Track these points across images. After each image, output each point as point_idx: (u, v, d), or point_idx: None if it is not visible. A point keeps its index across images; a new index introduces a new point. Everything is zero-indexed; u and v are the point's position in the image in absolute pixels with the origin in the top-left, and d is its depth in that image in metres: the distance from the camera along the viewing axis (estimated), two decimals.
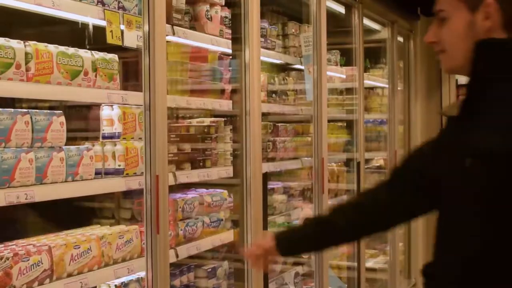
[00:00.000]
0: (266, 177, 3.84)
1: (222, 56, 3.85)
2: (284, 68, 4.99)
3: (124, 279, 2.96)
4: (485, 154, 1.59)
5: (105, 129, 3.04)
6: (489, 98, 1.67)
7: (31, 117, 2.55)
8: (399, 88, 6.56)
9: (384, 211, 2.15)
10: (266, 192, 3.82)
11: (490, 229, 1.61)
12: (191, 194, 3.53)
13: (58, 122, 2.68)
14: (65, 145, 2.73)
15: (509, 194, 1.56)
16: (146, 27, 2.69)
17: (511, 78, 1.66)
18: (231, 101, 3.66)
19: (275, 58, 4.43)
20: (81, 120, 3.41)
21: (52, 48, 2.67)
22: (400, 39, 6.64)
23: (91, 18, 2.83)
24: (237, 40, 3.64)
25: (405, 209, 2.12)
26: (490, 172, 1.58)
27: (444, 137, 1.90)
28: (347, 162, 5.50)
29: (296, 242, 2.29)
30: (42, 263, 2.47)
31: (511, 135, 1.57)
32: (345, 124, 5.58)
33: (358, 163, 5.26)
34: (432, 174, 1.87)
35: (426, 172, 1.96)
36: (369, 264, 5.97)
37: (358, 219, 2.20)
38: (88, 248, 2.69)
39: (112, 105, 3.01)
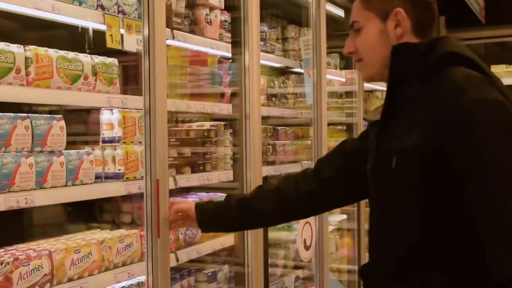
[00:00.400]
0: (266, 180, 3.84)
1: (221, 59, 3.85)
2: (283, 72, 4.99)
3: (125, 283, 2.95)
4: (407, 153, 1.68)
5: (105, 133, 3.04)
6: (406, 99, 1.77)
7: (31, 122, 2.55)
8: None
9: (308, 200, 2.27)
10: None
11: (422, 226, 1.67)
12: (191, 198, 3.52)
13: (58, 126, 2.68)
14: (65, 149, 2.72)
15: (436, 190, 1.62)
16: (146, 31, 2.69)
17: (425, 78, 1.75)
18: (231, 105, 3.66)
19: (275, 61, 4.43)
20: (81, 124, 3.41)
21: (52, 52, 2.67)
22: None
23: (91, 22, 2.83)
24: (236, 43, 3.63)
25: (328, 198, 2.27)
26: (414, 169, 1.66)
27: (369, 141, 1.98)
28: None
29: (217, 220, 2.46)
30: (42, 268, 2.46)
31: (426, 133, 1.65)
32: (344, 127, 5.58)
33: None
34: (358, 174, 2.00)
35: (351, 168, 2.12)
36: None
37: (281, 207, 2.30)
38: (89, 253, 2.69)
39: (112, 109, 3.01)
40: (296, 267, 4.63)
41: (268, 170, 4.02)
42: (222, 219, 2.47)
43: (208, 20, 3.62)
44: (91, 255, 2.70)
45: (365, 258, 5.48)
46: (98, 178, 2.91)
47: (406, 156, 1.69)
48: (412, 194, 1.69)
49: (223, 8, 3.79)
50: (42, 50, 2.63)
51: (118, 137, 3.01)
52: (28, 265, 2.40)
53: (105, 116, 3.05)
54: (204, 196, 3.65)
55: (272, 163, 4.26)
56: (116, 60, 3.02)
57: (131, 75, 3.37)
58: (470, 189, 1.57)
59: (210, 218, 2.48)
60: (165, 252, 2.77)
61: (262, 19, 3.87)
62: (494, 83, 1.70)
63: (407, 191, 1.71)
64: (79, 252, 2.64)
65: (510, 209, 1.51)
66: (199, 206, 2.53)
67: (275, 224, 2.92)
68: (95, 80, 2.86)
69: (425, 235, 1.67)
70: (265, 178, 3.72)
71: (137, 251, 2.96)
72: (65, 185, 2.68)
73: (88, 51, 3.08)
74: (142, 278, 2.95)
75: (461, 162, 1.59)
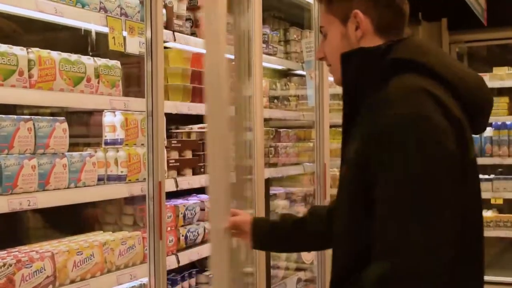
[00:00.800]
0: (268, 182, 3.84)
1: None
2: (285, 74, 5.00)
3: (127, 285, 2.96)
4: (348, 163, 1.70)
5: (108, 135, 3.05)
6: (360, 107, 1.74)
7: (33, 124, 2.56)
8: None
9: None
10: (268, 197, 3.82)
11: (361, 236, 1.64)
12: (192, 200, 3.53)
13: (61, 128, 2.69)
14: (67, 151, 2.73)
15: (370, 196, 1.60)
16: (148, 34, 2.70)
17: (378, 85, 1.69)
18: (233, 107, 3.66)
19: (277, 63, 4.43)
20: (83, 126, 3.41)
21: (55, 54, 2.68)
22: None
23: (94, 24, 2.83)
24: None
25: None
26: (353, 179, 1.67)
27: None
28: None
29: (273, 240, 2.31)
30: (45, 270, 2.47)
31: (361, 144, 1.64)
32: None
33: None
34: None
35: None
36: None
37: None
38: (91, 255, 2.69)
39: (114, 112, 3.02)
40: (298, 269, 4.63)
41: (270, 172, 4.02)
42: (278, 239, 2.33)
43: None
44: (93, 257, 2.70)
45: None
46: (100, 180, 2.92)
47: (348, 166, 1.71)
48: (351, 202, 1.70)
49: None
50: (45, 53, 2.64)
51: (120, 139, 3.02)
52: (31, 267, 2.41)
53: (108, 118, 3.05)
54: (205, 198, 3.65)
55: (274, 165, 4.26)
56: (118, 62, 3.02)
57: (132, 78, 3.37)
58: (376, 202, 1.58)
59: (265, 236, 2.32)
60: (163, 253, 2.77)
61: (264, 21, 3.88)
62: (434, 94, 1.61)
63: (347, 199, 1.72)
64: (82, 254, 2.65)
65: (394, 229, 1.53)
66: (255, 222, 2.31)
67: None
68: (98, 83, 2.87)
69: (363, 246, 1.64)
70: (267, 181, 3.72)
71: (139, 253, 2.96)
72: (68, 187, 2.69)
73: (91, 53, 3.09)
74: (144, 280, 2.95)
75: (374, 174, 1.59)
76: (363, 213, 1.63)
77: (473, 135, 1.75)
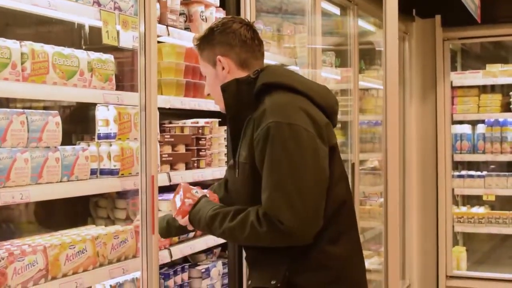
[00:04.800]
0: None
1: None
2: None
3: (119, 279, 2.96)
4: (241, 165, 2.33)
5: (101, 129, 3.04)
6: (245, 121, 2.32)
7: (26, 117, 2.56)
8: None
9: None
10: None
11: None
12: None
13: (54, 122, 2.69)
14: (60, 145, 2.73)
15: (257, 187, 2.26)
16: (142, 28, 2.70)
17: (253, 104, 2.31)
18: None
19: (270, 59, 4.43)
20: (76, 120, 3.41)
21: (48, 48, 2.68)
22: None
23: (87, 18, 2.83)
24: None
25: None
26: (246, 176, 2.33)
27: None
28: None
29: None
30: (37, 263, 2.47)
31: (248, 149, 2.27)
32: (339, 125, 5.58)
33: (353, 165, 5.27)
34: None
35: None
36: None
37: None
38: (83, 248, 2.70)
39: (107, 106, 3.02)
40: None
41: None
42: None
43: (203, 17, 3.62)
44: (86, 251, 2.70)
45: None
46: (93, 174, 2.92)
47: (241, 167, 2.32)
48: (246, 190, 2.33)
49: (218, 5, 3.80)
50: (38, 46, 2.64)
51: (113, 133, 3.01)
52: (23, 260, 2.41)
53: (101, 112, 3.05)
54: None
55: None
56: (112, 56, 3.02)
57: (125, 71, 3.38)
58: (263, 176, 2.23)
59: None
60: (155, 249, 2.77)
61: (257, 16, 3.88)
62: (297, 103, 2.26)
63: (244, 186, 2.34)
64: (74, 247, 2.65)
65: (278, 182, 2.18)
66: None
67: None
68: (91, 76, 2.87)
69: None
70: None
71: (132, 247, 2.96)
72: (61, 181, 2.69)
73: (84, 47, 3.08)
74: (137, 274, 2.96)
75: (260, 165, 2.22)
76: (256, 184, 2.25)
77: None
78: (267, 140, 2.19)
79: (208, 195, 2.54)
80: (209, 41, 2.43)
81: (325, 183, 2.27)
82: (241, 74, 2.39)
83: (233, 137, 2.41)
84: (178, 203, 2.49)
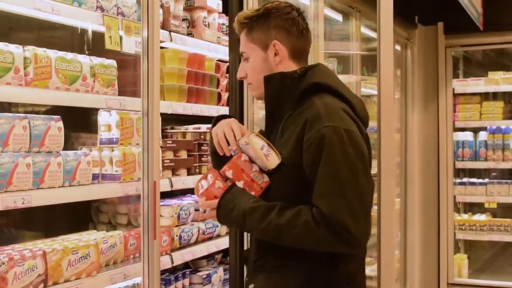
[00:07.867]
0: None
1: (219, 62, 3.85)
2: None
3: (120, 284, 2.95)
4: (282, 161, 2.16)
5: (103, 134, 3.04)
6: (284, 116, 2.21)
7: (29, 122, 2.55)
8: (396, 97, 6.56)
9: None
10: None
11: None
12: (186, 200, 3.53)
13: (56, 127, 2.69)
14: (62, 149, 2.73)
15: (301, 189, 2.14)
16: (145, 33, 2.70)
17: (297, 102, 2.18)
18: (228, 107, 3.66)
19: None
20: (78, 125, 3.41)
21: (51, 53, 2.68)
22: (398, 47, 6.66)
23: (90, 23, 2.83)
24: None
25: None
26: (286, 172, 2.17)
27: None
28: None
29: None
30: (36, 268, 2.46)
31: (294, 149, 2.12)
32: None
33: None
34: None
35: None
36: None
37: None
38: (87, 254, 2.68)
39: (110, 111, 3.01)
40: None
41: None
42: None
43: (206, 23, 3.63)
44: (89, 256, 2.69)
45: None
46: (95, 179, 2.91)
47: (282, 163, 2.16)
48: (284, 190, 2.17)
49: (221, 11, 3.80)
50: (41, 51, 2.64)
51: (115, 138, 3.01)
52: (23, 265, 2.41)
53: (103, 118, 3.05)
54: None
55: None
56: (114, 61, 3.02)
57: (128, 77, 3.37)
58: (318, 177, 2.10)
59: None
60: (156, 254, 2.77)
61: None
62: (346, 110, 2.17)
63: (282, 187, 2.18)
64: (77, 253, 2.64)
65: (339, 186, 2.08)
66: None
67: None
68: (94, 81, 2.87)
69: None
70: None
71: (120, 252, 2.95)
72: (62, 186, 2.69)
73: (87, 52, 3.08)
74: (138, 279, 2.95)
75: (310, 168, 2.10)
76: (297, 184, 2.15)
77: None
78: (324, 144, 2.08)
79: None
80: (264, 22, 2.24)
81: (373, 191, 2.24)
82: (291, 65, 2.25)
83: (267, 128, 2.29)
84: (205, 185, 2.26)
